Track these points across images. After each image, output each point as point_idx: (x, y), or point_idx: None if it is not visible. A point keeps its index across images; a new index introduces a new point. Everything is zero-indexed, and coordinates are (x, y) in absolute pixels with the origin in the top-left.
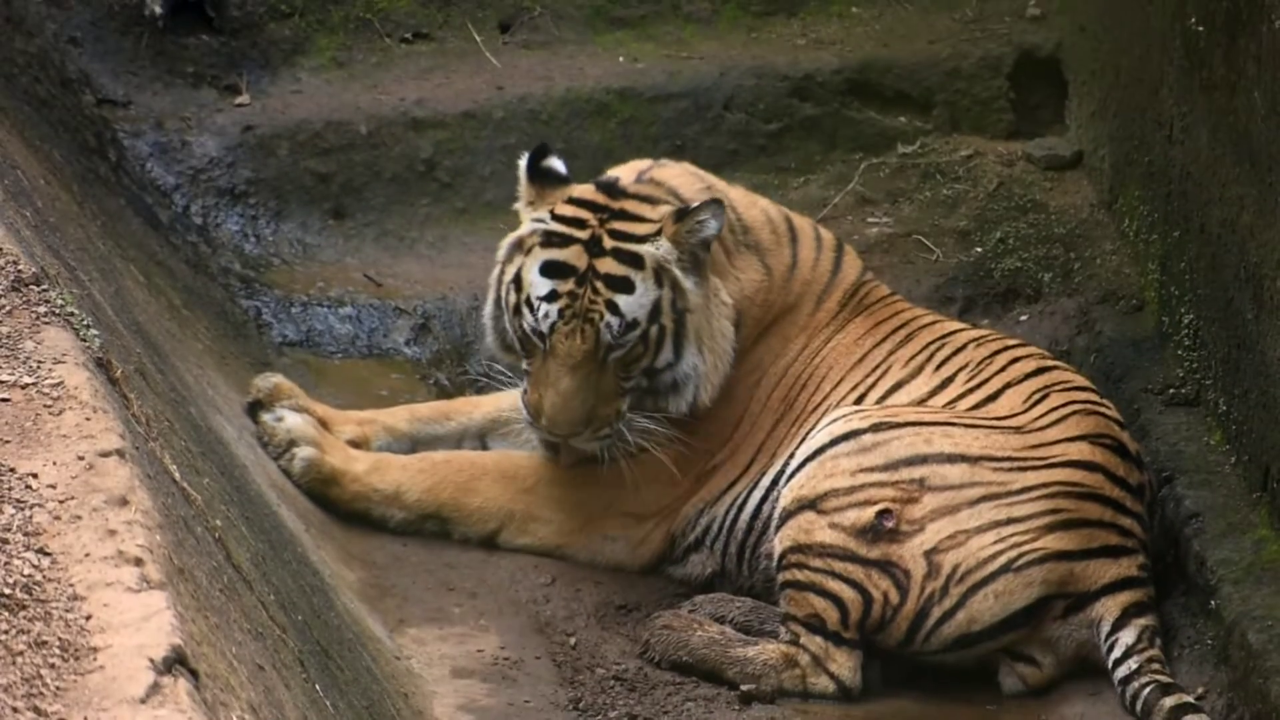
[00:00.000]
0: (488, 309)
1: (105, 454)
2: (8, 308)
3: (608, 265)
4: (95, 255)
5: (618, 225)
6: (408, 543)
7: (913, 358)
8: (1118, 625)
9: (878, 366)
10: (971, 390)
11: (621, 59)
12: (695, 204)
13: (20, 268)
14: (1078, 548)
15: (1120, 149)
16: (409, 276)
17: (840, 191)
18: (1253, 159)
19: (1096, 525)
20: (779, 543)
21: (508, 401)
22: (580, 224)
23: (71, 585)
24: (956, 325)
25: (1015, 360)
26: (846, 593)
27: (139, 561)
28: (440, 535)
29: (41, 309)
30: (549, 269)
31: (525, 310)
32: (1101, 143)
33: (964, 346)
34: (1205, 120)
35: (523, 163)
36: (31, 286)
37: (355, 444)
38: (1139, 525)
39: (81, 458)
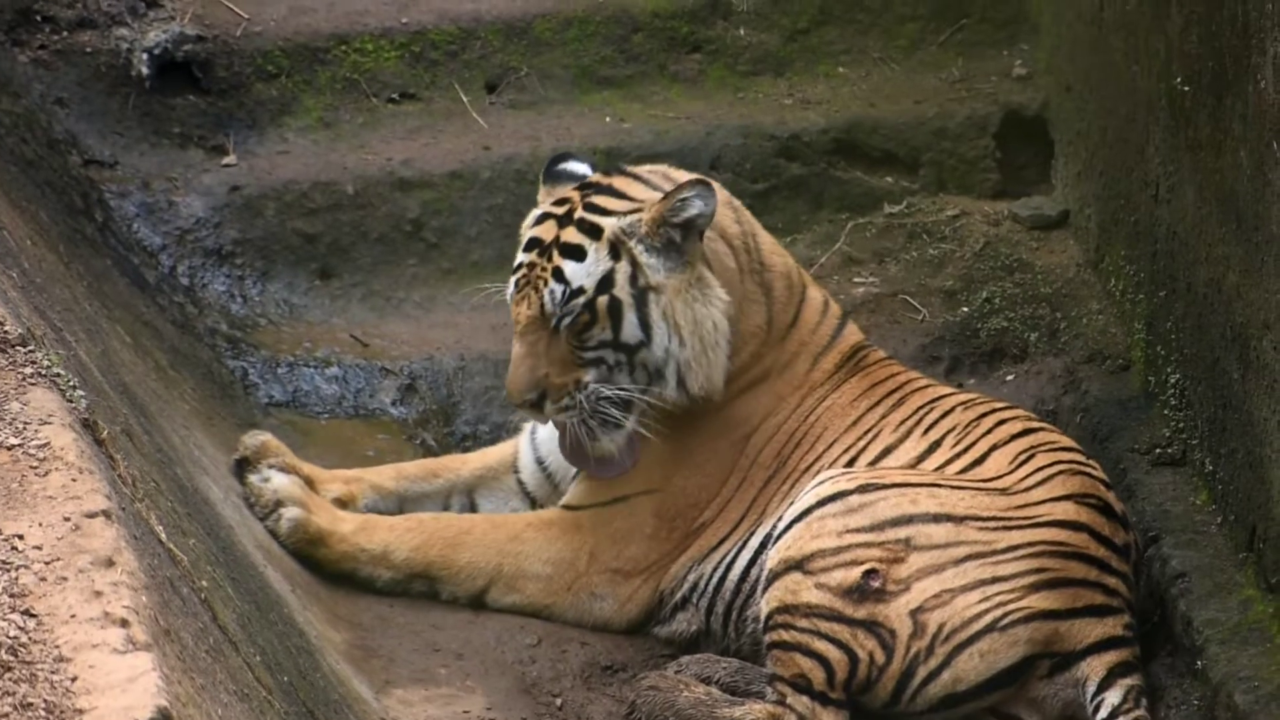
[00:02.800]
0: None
1: (91, 515)
2: None
3: (568, 234)
4: (82, 316)
5: (596, 199)
6: (394, 604)
7: (903, 421)
8: (1104, 685)
9: (870, 430)
10: (959, 454)
11: (608, 119)
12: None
13: (6, 329)
14: (1063, 607)
15: (1106, 208)
16: (395, 337)
17: (827, 251)
18: (1239, 219)
19: (1082, 584)
20: (765, 604)
21: (495, 457)
22: (565, 201)
23: (57, 647)
24: (947, 389)
25: (1001, 422)
26: (833, 653)
27: (125, 623)
28: (428, 596)
29: (28, 370)
30: (527, 245)
31: (509, 290)
32: (1088, 202)
33: (952, 410)
34: (1191, 180)
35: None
36: (18, 347)
37: (342, 503)
38: (1124, 585)
39: (67, 519)
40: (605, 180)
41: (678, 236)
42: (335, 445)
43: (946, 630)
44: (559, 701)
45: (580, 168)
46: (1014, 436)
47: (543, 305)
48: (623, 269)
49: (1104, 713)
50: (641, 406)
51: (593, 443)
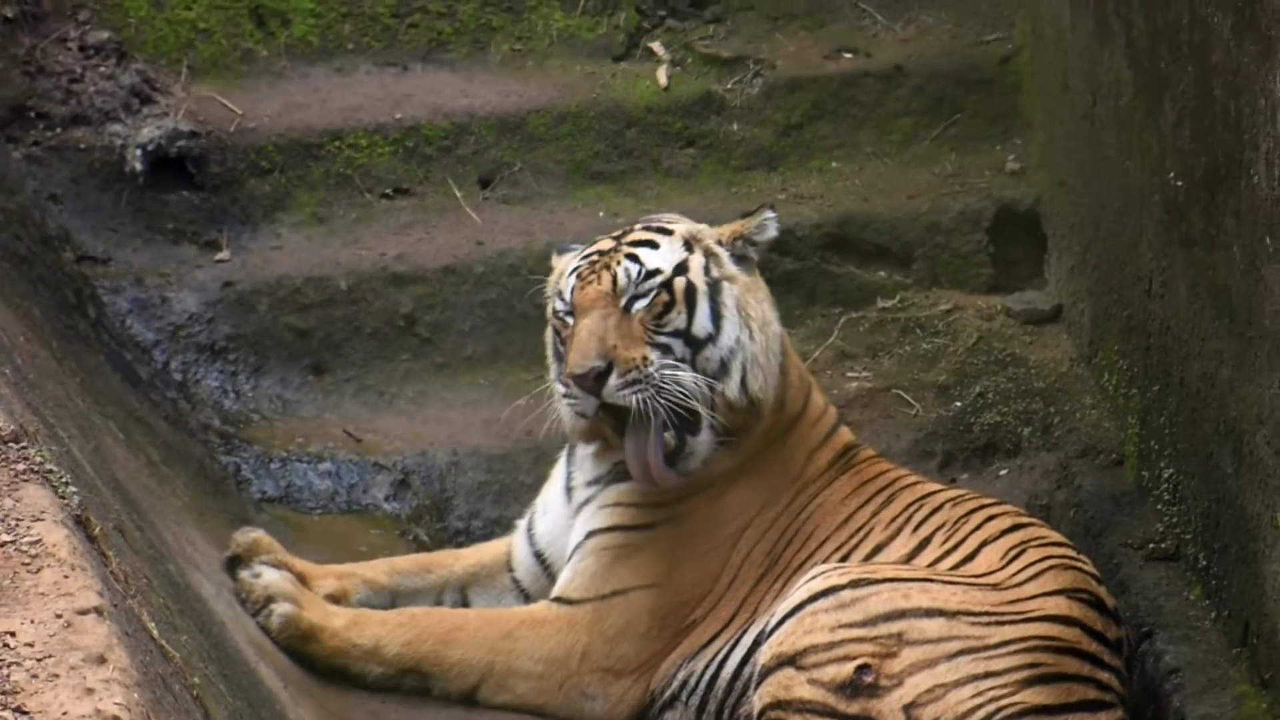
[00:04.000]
0: (549, 361)
1: (83, 612)
2: None
3: (635, 235)
4: (74, 412)
5: (651, 220)
6: (386, 700)
7: (893, 519)
8: None
9: (860, 528)
10: (949, 550)
11: (602, 214)
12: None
13: None
14: (1056, 702)
15: (1099, 303)
16: (389, 432)
17: (820, 345)
18: (1232, 314)
19: (1075, 679)
20: (758, 699)
21: (489, 554)
22: (610, 234)
23: None
24: (936, 486)
25: (991, 518)
26: None
27: None
28: (420, 692)
29: (20, 466)
30: (577, 269)
31: (560, 306)
32: (1081, 297)
33: (941, 506)
34: (1184, 275)
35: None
36: (10, 444)
37: (335, 598)
38: (1117, 679)
39: (59, 615)
40: (647, 218)
41: (752, 253)
42: (328, 541)
43: None
44: None
45: None
46: (1004, 532)
47: (615, 281)
48: (697, 259)
49: None
50: (710, 402)
51: (673, 442)
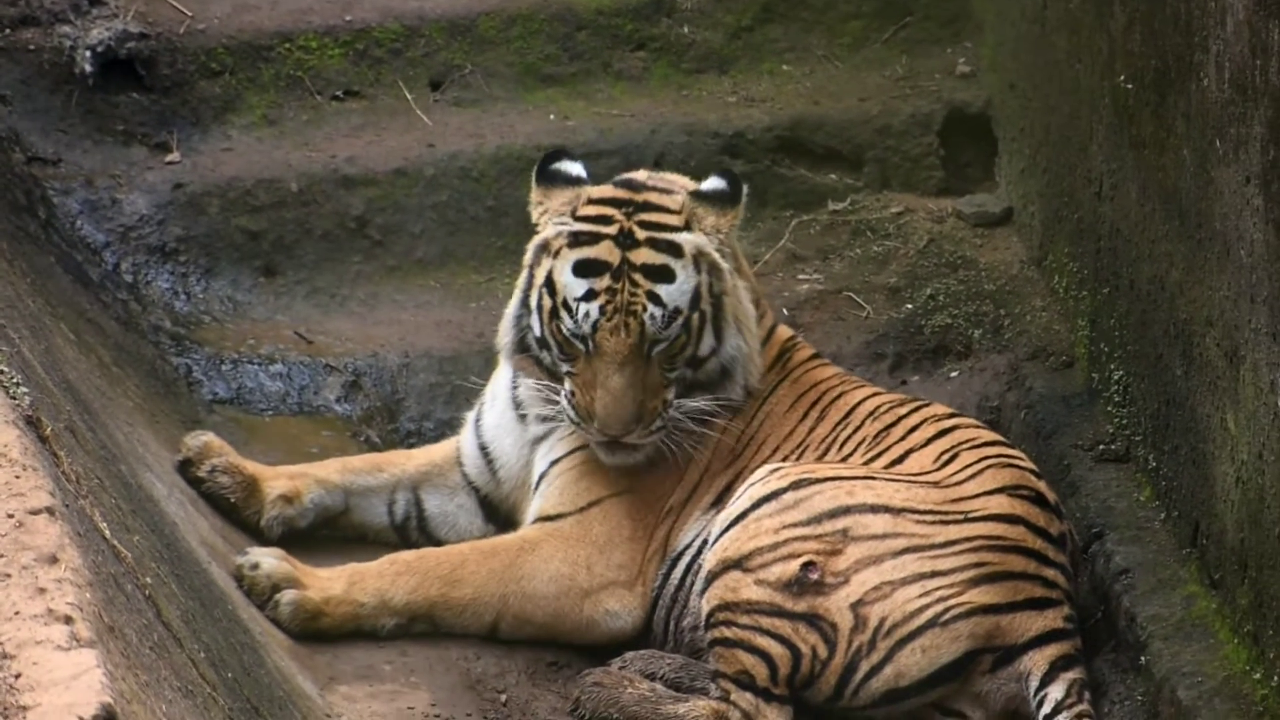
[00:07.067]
0: (511, 309)
1: (35, 511)
2: None
3: (644, 255)
4: (25, 313)
5: (646, 216)
6: None
7: (823, 440)
8: (1046, 680)
9: (798, 447)
10: (875, 459)
11: (552, 116)
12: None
13: None
14: (1003, 601)
15: (1050, 206)
16: (340, 334)
17: (771, 248)
18: (1182, 216)
19: (1021, 578)
20: (706, 603)
21: (440, 453)
22: (606, 220)
23: (1, 644)
24: (861, 395)
25: (913, 429)
26: (775, 648)
27: (69, 619)
28: (429, 635)
29: None
30: (582, 268)
31: (564, 313)
32: (1031, 199)
33: (862, 422)
34: (1135, 177)
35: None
36: None
37: (288, 498)
38: (1063, 576)
39: (11, 515)
40: (636, 197)
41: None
42: (279, 442)
43: (888, 624)
44: (504, 698)
45: (574, 169)
46: (930, 439)
47: (643, 331)
48: (704, 281)
49: (1047, 708)
50: (715, 411)
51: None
